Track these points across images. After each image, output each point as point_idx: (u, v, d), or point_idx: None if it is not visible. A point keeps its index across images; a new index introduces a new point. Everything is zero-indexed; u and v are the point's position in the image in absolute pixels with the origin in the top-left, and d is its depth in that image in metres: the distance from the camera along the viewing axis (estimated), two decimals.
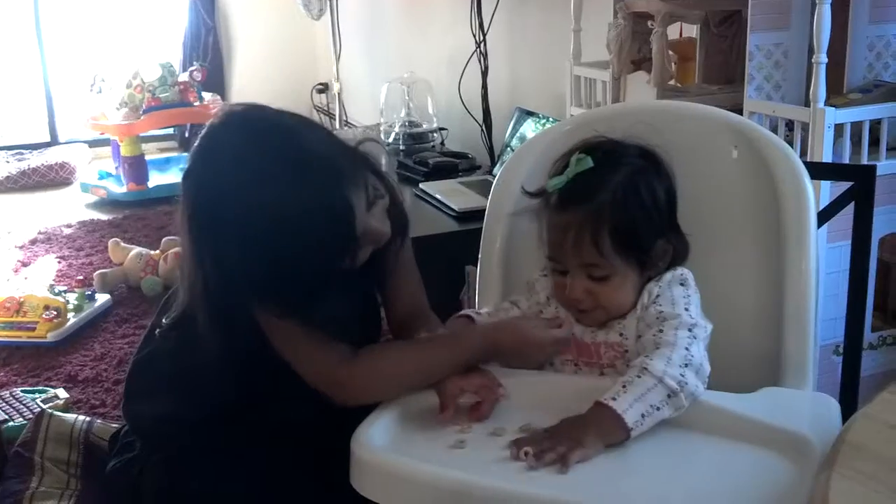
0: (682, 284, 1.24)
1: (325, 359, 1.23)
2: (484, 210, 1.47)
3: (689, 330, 1.16)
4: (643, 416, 1.09)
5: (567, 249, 1.22)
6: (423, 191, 2.98)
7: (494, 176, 2.59)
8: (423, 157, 3.31)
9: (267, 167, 1.17)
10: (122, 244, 3.28)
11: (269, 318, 1.24)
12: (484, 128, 3.40)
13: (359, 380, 1.22)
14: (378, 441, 1.10)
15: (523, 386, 1.22)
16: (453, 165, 3.24)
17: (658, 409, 1.09)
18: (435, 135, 3.64)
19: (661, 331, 1.17)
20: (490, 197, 1.46)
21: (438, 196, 2.87)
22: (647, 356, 1.13)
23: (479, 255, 1.44)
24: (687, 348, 1.13)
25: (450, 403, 1.18)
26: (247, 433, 1.33)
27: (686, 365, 1.12)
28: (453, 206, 2.75)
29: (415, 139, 3.59)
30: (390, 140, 3.62)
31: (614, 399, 1.09)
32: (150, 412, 1.39)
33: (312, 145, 1.22)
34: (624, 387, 1.10)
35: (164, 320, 1.38)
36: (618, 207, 1.20)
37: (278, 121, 1.25)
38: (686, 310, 1.19)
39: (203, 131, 1.26)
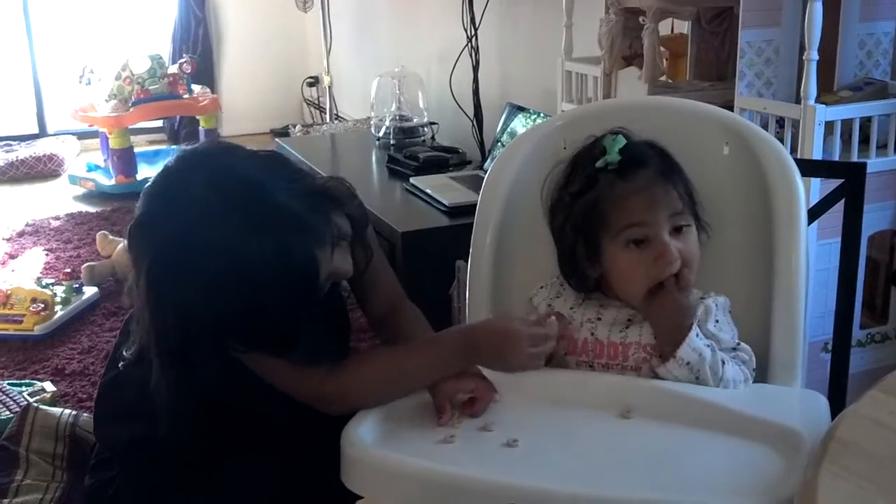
0: (729, 312, 1.28)
1: (308, 379, 1.24)
2: (474, 205, 1.47)
3: (753, 370, 1.24)
4: (689, 364, 1.18)
5: (659, 201, 1.24)
6: (413, 185, 2.97)
7: (485, 171, 2.59)
8: (413, 151, 3.30)
9: (232, 224, 1.15)
10: (111, 237, 3.26)
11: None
12: (475, 122, 3.40)
13: (346, 392, 1.22)
14: (367, 438, 1.10)
15: (517, 381, 1.22)
16: (444, 160, 3.24)
17: (697, 380, 1.18)
18: (425, 129, 3.63)
19: (733, 357, 1.24)
20: (481, 192, 1.46)
21: (429, 191, 2.86)
22: (731, 359, 1.22)
23: (470, 251, 1.44)
24: (745, 381, 1.23)
25: (446, 407, 1.17)
26: (221, 451, 1.32)
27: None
28: (444, 201, 2.75)
29: (405, 133, 3.58)
30: (381, 134, 3.61)
31: (698, 335, 1.20)
32: (121, 435, 1.38)
33: (278, 200, 1.19)
34: (710, 347, 1.20)
35: (124, 351, 1.37)
36: (673, 165, 1.28)
37: (242, 173, 1.22)
38: (739, 344, 1.26)
39: (158, 176, 1.23)
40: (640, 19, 2.08)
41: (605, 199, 1.26)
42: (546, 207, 1.35)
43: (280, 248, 1.16)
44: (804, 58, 1.62)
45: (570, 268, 1.32)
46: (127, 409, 1.37)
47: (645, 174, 1.25)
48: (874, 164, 1.66)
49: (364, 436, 1.10)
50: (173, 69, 4.33)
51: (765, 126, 1.70)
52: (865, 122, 1.70)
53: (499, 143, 3.03)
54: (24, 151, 4.70)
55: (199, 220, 1.16)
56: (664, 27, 2.21)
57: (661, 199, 1.24)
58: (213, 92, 4.72)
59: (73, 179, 4.33)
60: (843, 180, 1.50)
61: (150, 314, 1.21)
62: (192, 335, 1.20)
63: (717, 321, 1.25)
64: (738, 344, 1.26)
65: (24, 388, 2.20)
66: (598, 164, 1.26)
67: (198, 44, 5.20)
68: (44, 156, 4.66)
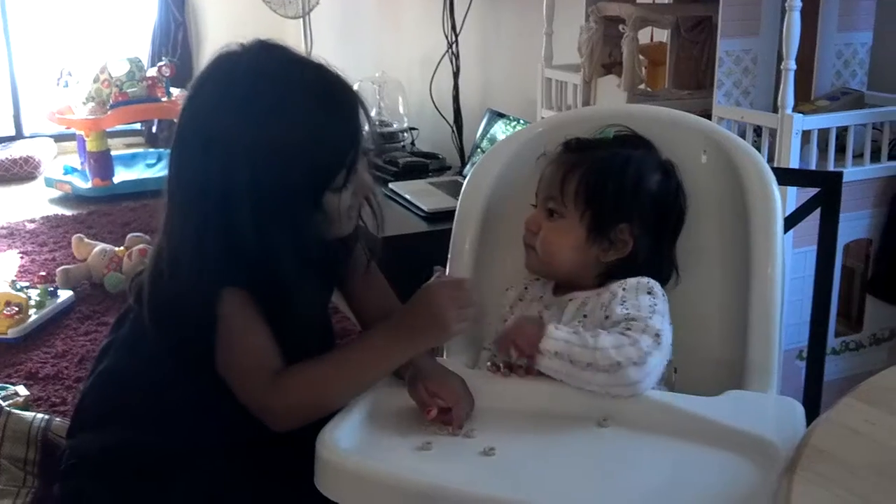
0: (649, 293, 1.24)
1: (254, 379, 1.19)
2: (453, 210, 1.47)
3: (655, 336, 1.16)
4: (557, 353, 1.14)
5: (542, 179, 1.33)
6: (392, 191, 2.97)
7: (464, 177, 2.59)
8: (393, 156, 3.30)
9: (281, 63, 1.22)
10: (86, 240, 3.23)
11: (229, 306, 1.20)
12: (455, 128, 3.40)
13: (289, 408, 1.17)
14: (344, 443, 1.09)
15: (495, 389, 1.21)
16: (423, 165, 3.25)
17: (572, 363, 1.13)
18: (405, 134, 3.63)
19: (628, 329, 1.16)
20: (460, 198, 1.46)
21: (408, 196, 2.86)
22: (609, 331, 1.16)
23: (449, 256, 1.44)
24: (648, 353, 1.13)
25: (431, 403, 1.15)
26: (193, 458, 1.27)
27: (636, 364, 1.12)
28: (423, 207, 2.75)
29: (385, 139, 3.58)
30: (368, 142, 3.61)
31: (557, 327, 1.15)
32: (92, 442, 1.33)
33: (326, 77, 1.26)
34: (575, 331, 1.15)
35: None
36: (597, 165, 1.29)
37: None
38: (650, 316, 1.19)
39: (212, 59, 1.25)
40: (620, 27, 2.09)
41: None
42: None
43: (324, 87, 1.22)
44: (782, 67, 1.64)
45: None
46: (97, 412, 1.36)
47: (564, 156, 1.33)
48: (850, 173, 1.67)
49: (340, 440, 1.09)
50: (152, 72, 4.30)
51: (742, 135, 1.71)
52: (842, 132, 1.71)
53: (478, 150, 3.04)
54: None
55: (251, 65, 1.21)
56: (643, 36, 2.22)
57: (544, 179, 1.33)
58: None
59: (50, 182, 4.29)
60: (819, 189, 1.51)
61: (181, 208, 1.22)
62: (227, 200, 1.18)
63: (623, 301, 1.23)
64: (629, 316, 1.20)
65: None
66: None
67: (177, 47, 5.17)
68: (20, 158, 4.62)
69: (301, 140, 1.18)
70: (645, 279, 1.26)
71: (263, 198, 1.18)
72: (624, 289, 1.25)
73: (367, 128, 1.28)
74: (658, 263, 1.32)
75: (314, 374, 1.20)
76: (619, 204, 1.28)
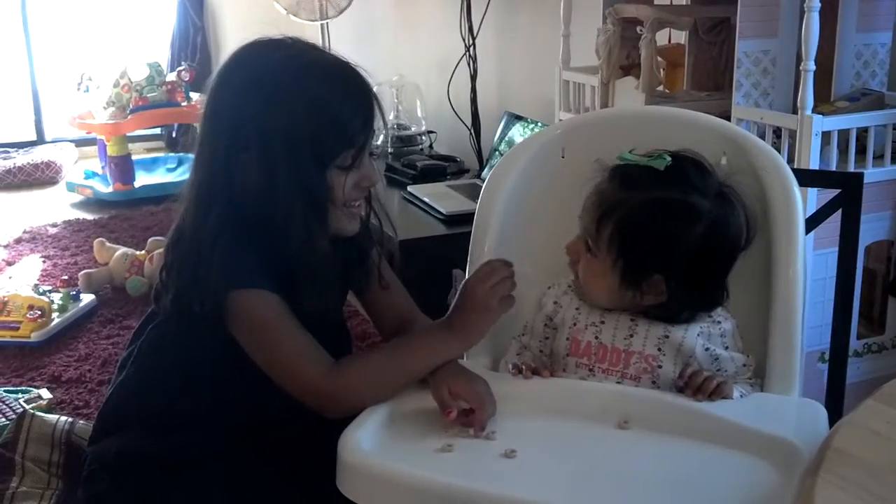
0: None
1: (311, 367, 1.22)
2: (472, 214, 1.47)
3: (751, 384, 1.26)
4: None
5: (584, 207, 1.29)
6: (411, 194, 2.98)
7: (483, 179, 2.59)
8: (411, 160, 3.31)
9: (302, 49, 1.31)
10: (108, 244, 3.26)
11: (253, 311, 1.22)
12: (473, 131, 3.40)
13: (349, 390, 1.20)
14: (365, 444, 1.09)
15: (517, 389, 1.22)
16: (441, 169, 3.25)
17: None
18: (423, 138, 3.64)
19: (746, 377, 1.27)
20: (479, 201, 1.46)
21: (426, 199, 2.87)
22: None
23: (468, 259, 1.44)
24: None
25: (452, 406, 1.16)
26: (211, 462, 1.29)
27: None
28: (441, 210, 2.75)
29: (403, 142, 3.59)
30: (378, 142, 3.62)
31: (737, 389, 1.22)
32: (110, 446, 1.35)
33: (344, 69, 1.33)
34: (741, 394, 1.22)
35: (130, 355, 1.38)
36: (634, 215, 1.24)
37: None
38: (745, 365, 1.28)
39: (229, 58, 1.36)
40: (638, 29, 2.09)
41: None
42: None
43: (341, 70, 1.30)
44: (801, 68, 1.63)
45: None
46: (117, 421, 1.37)
47: (609, 189, 1.26)
48: (871, 174, 1.66)
49: (362, 441, 1.10)
50: (171, 77, 4.33)
51: (761, 136, 1.70)
52: (862, 133, 1.70)
53: (496, 152, 3.04)
54: (21, 158, 4.70)
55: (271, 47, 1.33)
56: (661, 37, 2.21)
57: (586, 210, 1.28)
58: None
59: (71, 187, 4.32)
60: (840, 190, 1.50)
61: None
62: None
63: (726, 347, 1.28)
64: (748, 357, 1.29)
65: (20, 395, 2.20)
66: (619, 153, 1.29)
67: (196, 52, 5.20)
68: (41, 163, 4.66)
69: (313, 109, 1.23)
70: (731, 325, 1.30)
71: (273, 158, 1.23)
72: (720, 327, 1.29)
73: (381, 126, 1.33)
74: (703, 299, 1.29)
75: (372, 361, 1.27)
76: (651, 258, 1.24)
